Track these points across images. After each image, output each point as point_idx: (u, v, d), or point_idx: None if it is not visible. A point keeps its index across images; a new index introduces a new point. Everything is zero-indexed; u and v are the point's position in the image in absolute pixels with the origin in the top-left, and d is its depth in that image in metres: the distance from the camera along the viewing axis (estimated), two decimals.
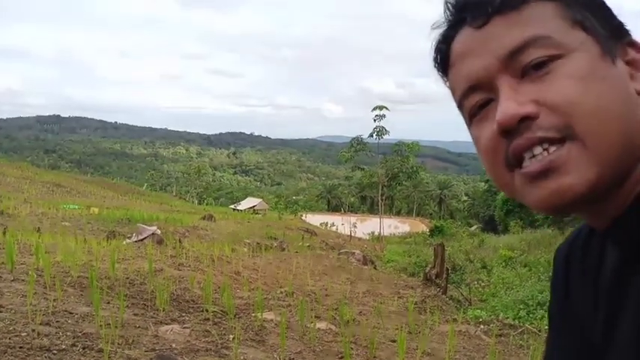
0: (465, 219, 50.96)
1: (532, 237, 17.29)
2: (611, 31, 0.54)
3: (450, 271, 6.99)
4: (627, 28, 0.56)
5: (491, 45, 0.53)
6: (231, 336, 3.06)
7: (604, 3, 0.56)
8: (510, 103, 0.51)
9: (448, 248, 9.85)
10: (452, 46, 0.57)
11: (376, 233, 32.62)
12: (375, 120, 32.39)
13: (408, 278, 8.07)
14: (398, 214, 61.80)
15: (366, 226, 37.61)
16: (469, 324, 4.39)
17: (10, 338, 2.45)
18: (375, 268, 9.36)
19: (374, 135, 32.62)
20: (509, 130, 0.51)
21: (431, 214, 59.44)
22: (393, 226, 39.43)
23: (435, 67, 0.60)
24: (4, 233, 7.12)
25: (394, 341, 3.41)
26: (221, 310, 3.80)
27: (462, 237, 23.64)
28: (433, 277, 6.03)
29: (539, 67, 0.51)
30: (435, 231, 29.87)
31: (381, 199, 34.70)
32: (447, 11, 0.57)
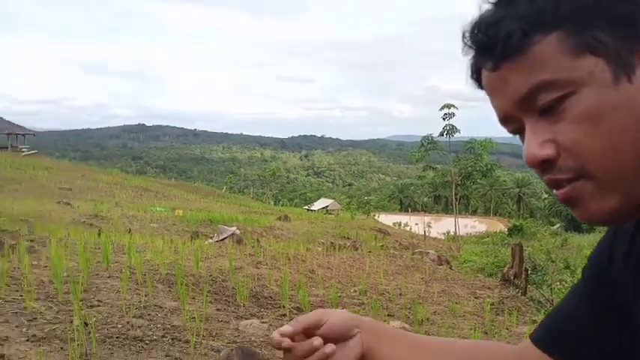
0: (546, 218, 48.40)
1: None
2: (636, 30, 0.51)
3: (530, 272, 6.72)
4: None
5: (505, 89, 0.54)
6: None
7: (620, 2, 0.51)
8: (531, 145, 0.54)
9: (528, 248, 9.46)
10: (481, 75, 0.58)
11: (451, 233, 31.81)
12: (444, 118, 31.59)
13: (485, 278, 7.83)
14: (474, 213, 59.77)
15: (440, 225, 36.79)
16: None
17: (108, 329, 2.71)
18: (450, 268, 9.16)
19: (444, 134, 31.82)
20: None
21: (509, 213, 56.94)
22: (469, 225, 38.29)
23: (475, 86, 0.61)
24: (99, 234, 7.72)
25: None
26: (297, 307, 3.93)
27: (544, 236, 22.49)
28: (511, 278, 5.83)
29: (552, 107, 0.52)
30: (514, 230, 28.62)
31: (456, 199, 33.79)
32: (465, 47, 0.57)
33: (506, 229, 32.83)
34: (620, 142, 0.50)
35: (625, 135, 0.50)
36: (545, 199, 60.32)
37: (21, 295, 3.04)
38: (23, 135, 49.47)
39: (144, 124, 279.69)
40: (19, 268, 3.75)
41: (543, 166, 0.54)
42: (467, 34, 0.56)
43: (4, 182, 25.66)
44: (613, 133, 0.50)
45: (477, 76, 0.58)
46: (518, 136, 0.58)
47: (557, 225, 38.93)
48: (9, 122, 49.20)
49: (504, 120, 0.57)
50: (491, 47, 0.53)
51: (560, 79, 0.51)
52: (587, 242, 16.91)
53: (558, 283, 7.01)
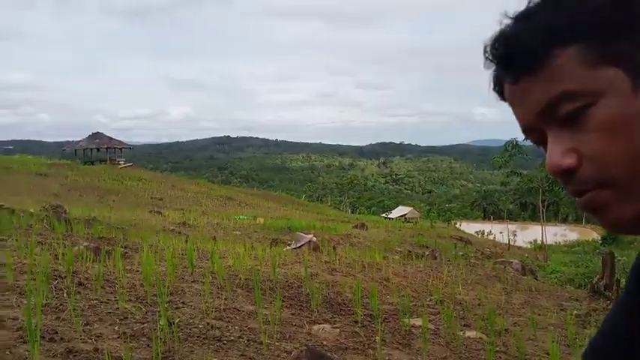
0: None
1: None
2: None
3: (623, 283, 6.23)
4: None
5: (526, 101, 0.56)
6: (377, 337, 3.18)
7: (638, 14, 0.51)
8: (554, 154, 0.54)
9: (624, 257, 8.75)
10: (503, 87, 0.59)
11: (538, 241, 30.10)
12: None
13: (573, 290, 7.37)
14: (564, 221, 56.16)
15: (526, 234, 34.93)
16: None
17: (190, 329, 2.90)
18: (535, 278, 8.71)
19: None
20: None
21: None
22: (558, 234, 36.05)
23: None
24: (186, 241, 8.19)
25: (548, 354, 3.21)
26: (370, 314, 3.95)
27: None
28: (602, 289, 5.45)
29: (573, 117, 0.53)
30: (609, 239, 26.58)
31: (543, 206, 31.92)
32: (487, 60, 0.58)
33: (599, 238, 30.54)
34: None
35: None
36: None
37: (115, 297, 3.33)
38: (121, 149, 53.59)
39: (229, 136, 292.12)
40: (113, 272, 4.10)
41: (566, 175, 0.55)
42: (488, 48, 0.57)
43: (103, 193, 27.92)
44: (634, 141, 0.51)
45: (499, 88, 0.59)
46: (541, 147, 0.58)
47: None
48: (109, 137, 53.52)
49: (527, 131, 0.58)
50: (511, 60, 0.55)
51: (580, 89, 0.52)
52: None
53: None
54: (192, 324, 2.98)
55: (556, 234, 35.48)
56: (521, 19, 0.55)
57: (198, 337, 2.78)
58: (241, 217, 24.23)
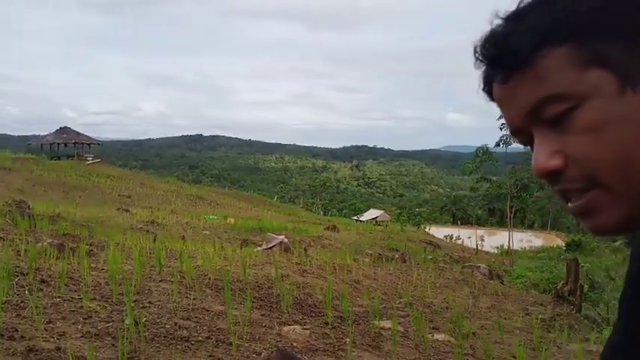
0: None
1: None
2: None
3: (587, 289, 6.42)
4: None
5: (515, 102, 0.56)
6: (348, 340, 3.18)
7: (635, 9, 0.51)
8: (540, 156, 0.55)
9: (587, 264, 9.03)
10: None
11: (505, 247, 30.77)
12: (501, 128, 30.74)
13: (538, 295, 7.54)
14: (530, 227, 57.54)
15: (494, 239, 35.63)
16: (603, 345, 4.01)
17: (157, 329, 2.84)
18: (502, 283, 8.88)
19: (500, 144, 30.97)
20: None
21: (568, 228, 54.33)
22: (524, 240, 36.89)
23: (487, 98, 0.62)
24: (154, 240, 8.04)
25: (515, 357, 3.27)
26: (340, 316, 3.95)
27: (604, 252, 21.33)
28: (566, 294, 5.59)
29: (560, 119, 0.53)
30: (572, 245, 27.36)
31: (510, 212, 32.65)
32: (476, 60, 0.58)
33: (564, 245, 31.41)
34: (627, 152, 0.51)
35: (632, 144, 0.51)
36: None
37: (79, 295, 3.23)
38: (89, 144, 52.25)
39: (202, 134, 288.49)
40: (78, 270, 3.99)
41: (552, 177, 0.55)
42: (478, 49, 0.57)
43: (69, 189, 27.19)
44: (619, 144, 0.51)
45: (488, 88, 0.59)
46: (529, 148, 0.59)
47: (620, 241, 36.65)
48: (76, 132, 52.15)
49: (515, 132, 0.59)
50: (501, 60, 0.55)
51: (566, 92, 0.52)
52: None
53: (616, 302, 6.64)
54: (159, 324, 2.92)
55: (522, 240, 36.30)
56: (512, 19, 0.55)
57: (165, 337, 2.72)
58: (211, 216, 23.95)
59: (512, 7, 0.56)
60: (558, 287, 5.92)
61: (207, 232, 16.32)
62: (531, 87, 0.53)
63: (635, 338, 0.65)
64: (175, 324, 2.95)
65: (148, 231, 12.43)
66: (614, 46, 0.51)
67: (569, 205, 0.56)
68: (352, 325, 3.67)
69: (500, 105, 0.58)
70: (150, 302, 3.35)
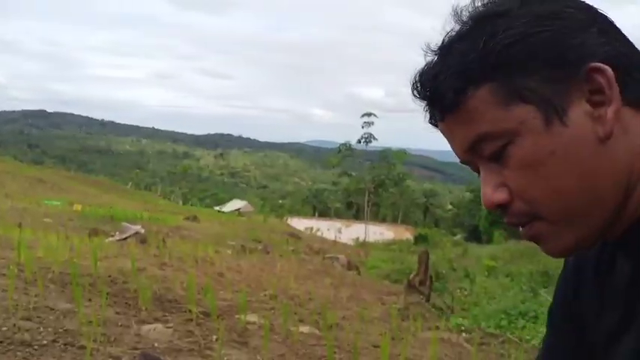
0: (449, 228, 51.20)
1: (515, 248, 17.45)
2: (564, 70, 0.51)
3: (433, 279, 7.04)
4: (596, 47, 0.51)
5: (454, 139, 0.57)
6: (215, 337, 3.04)
7: (551, 41, 0.51)
8: (486, 190, 0.56)
9: (432, 256, 9.92)
10: None
11: (361, 239, 32.69)
12: (363, 127, 32.60)
13: (391, 284, 8.10)
14: (383, 221, 61.82)
15: (350, 231, 37.64)
16: (451, 332, 4.43)
17: None
18: (359, 273, 9.38)
19: (361, 141, 32.82)
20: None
21: (416, 222, 59.60)
22: (378, 232, 39.48)
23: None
24: None
25: (377, 347, 3.42)
26: (204, 311, 3.78)
27: (446, 245, 23.79)
28: (417, 285, 6.07)
29: (498, 155, 0.54)
30: (420, 239, 30.04)
31: (367, 206, 34.83)
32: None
33: (412, 237, 34.25)
34: (562, 185, 0.52)
35: (565, 177, 0.51)
36: (449, 210, 63.98)
37: None
38: None
39: (45, 110, 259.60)
40: None
41: (500, 209, 0.56)
42: (414, 86, 0.58)
43: None
44: (553, 177, 0.52)
45: (434, 121, 0.60)
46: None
47: (459, 235, 41.23)
48: None
49: (463, 163, 0.60)
50: (433, 102, 0.57)
51: (495, 130, 0.53)
52: (486, 253, 18.15)
53: (458, 291, 7.41)
54: None
55: (376, 232, 38.73)
56: (439, 54, 0.56)
57: (1, 342, 2.33)
58: (54, 202, 22.01)
59: (439, 40, 0.57)
60: (410, 278, 6.40)
61: (48, 219, 14.88)
62: (463, 127, 0.55)
63: (564, 342, 0.69)
64: (14, 325, 2.55)
65: None
66: (535, 80, 0.52)
67: (521, 229, 0.57)
68: (218, 320, 3.53)
69: (446, 138, 0.60)
70: None
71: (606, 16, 0.54)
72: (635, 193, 0.53)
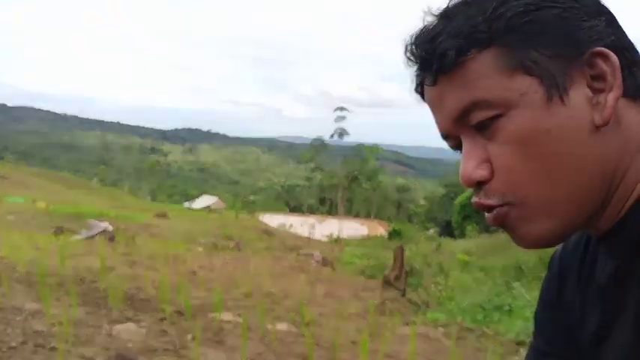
0: (422, 223, 51.72)
1: (488, 242, 17.71)
2: (571, 49, 0.50)
3: (408, 274, 7.07)
4: (602, 33, 0.50)
5: (443, 105, 0.54)
6: (190, 336, 2.96)
7: (560, 18, 0.50)
8: (467, 165, 0.53)
9: (406, 251, 9.99)
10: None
11: (335, 235, 32.72)
12: (335, 121, 32.66)
13: (366, 280, 8.10)
14: (357, 216, 62.09)
15: (324, 227, 37.59)
16: (428, 327, 4.44)
17: None
18: (333, 269, 9.37)
19: (334, 136, 32.88)
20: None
21: (389, 217, 60.05)
22: (352, 228, 39.59)
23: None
24: None
25: (355, 343, 3.40)
26: (177, 311, 3.69)
27: (420, 240, 24.02)
28: (392, 280, 6.07)
29: (486, 126, 0.51)
30: (394, 234, 30.18)
31: (341, 201, 34.93)
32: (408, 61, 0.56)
33: (386, 233, 34.41)
34: (552, 168, 0.49)
35: (555, 159, 0.49)
36: (422, 205, 64.68)
37: None
38: None
39: (5, 105, 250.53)
40: None
41: (477, 186, 0.53)
42: (408, 47, 0.55)
43: None
44: (543, 158, 0.49)
45: (420, 89, 0.57)
46: (459, 152, 0.56)
47: (432, 230, 41.61)
48: None
49: (445, 136, 0.57)
50: (429, 63, 0.53)
51: (493, 98, 0.50)
52: (459, 247, 18.35)
53: (433, 286, 7.47)
54: None
55: (349, 228, 38.81)
56: (442, 17, 0.53)
57: None
58: (16, 199, 21.33)
59: (443, 4, 0.54)
60: (386, 274, 6.40)
61: (11, 217, 14.41)
62: (458, 91, 0.52)
63: (552, 344, 0.68)
64: None
65: None
66: (540, 54, 0.50)
67: (488, 215, 0.54)
68: (192, 319, 3.44)
69: (431, 107, 0.57)
70: None
71: (612, 12, 0.54)
72: (620, 191, 0.51)
